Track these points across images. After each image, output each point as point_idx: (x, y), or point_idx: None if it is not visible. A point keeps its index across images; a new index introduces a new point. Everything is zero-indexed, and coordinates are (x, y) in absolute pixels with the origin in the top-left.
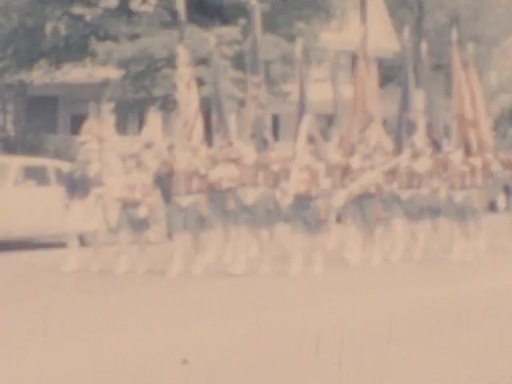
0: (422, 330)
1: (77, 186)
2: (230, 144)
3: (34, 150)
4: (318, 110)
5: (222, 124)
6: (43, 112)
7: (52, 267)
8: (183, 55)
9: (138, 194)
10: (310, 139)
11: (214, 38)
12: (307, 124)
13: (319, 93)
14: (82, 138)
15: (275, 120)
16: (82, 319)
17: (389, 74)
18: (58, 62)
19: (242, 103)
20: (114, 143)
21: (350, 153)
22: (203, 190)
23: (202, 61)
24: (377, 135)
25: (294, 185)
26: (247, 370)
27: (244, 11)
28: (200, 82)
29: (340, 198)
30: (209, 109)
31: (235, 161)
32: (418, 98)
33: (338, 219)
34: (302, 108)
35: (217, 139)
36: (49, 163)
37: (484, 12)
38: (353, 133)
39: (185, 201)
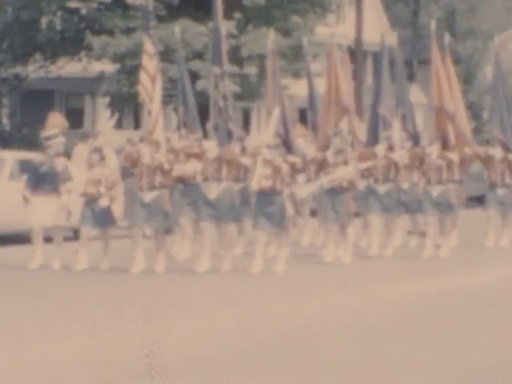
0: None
1: (43, 180)
2: (200, 138)
3: (29, 144)
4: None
5: (189, 118)
6: (38, 106)
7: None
8: (148, 46)
9: (102, 189)
10: (279, 133)
11: (178, 30)
12: (276, 117)
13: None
14: (47, 132)
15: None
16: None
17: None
18: (53, 56)
19: (236, 97)
20: (109, 137)
21: (326, 146)
22: (167, 185)
23: (197, 55)
24: (351, 128)
25: (258, 180)
26: (241, 363)
27: (239, 5)
28: (196, 76)
29: (305, 189)
30: (203, 103)
31: (197, 155)
32: (414, 92)
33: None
34: (274, 101)
35: (183, 133)
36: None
37: (480, 6)
38: (327, 125)
39: (147, 196)
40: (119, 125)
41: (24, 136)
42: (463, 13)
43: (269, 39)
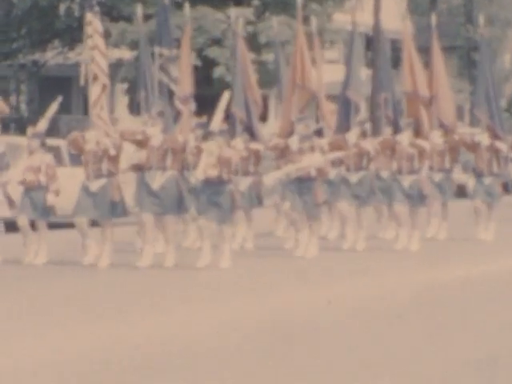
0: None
1: None
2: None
3: (47, 130)
4: (331, 91)
5: (147, 103)
6: (57, 92)
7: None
8: (96, 24)
9: (42, 177)
10: (241, 119)
11: (140, 10)
12: (225, 102)
13: (332, 74)
14: None
15: None
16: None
17: (402, 55)
18: (71, 43)
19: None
20: (127, 124)
21: (289, 132)
22: (114, 173)
23: (215, 42)
24: (320, 114)
25: (203, 169)
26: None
27: None
28: (214, 63)
29: (271, 176)
30: (221, 90)
31: (141, 142)
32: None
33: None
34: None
35: (145, 118)
36: (62, 143)
37: None
38: (291, 111)
39: (94, 185)
40: (136, 111)
41: None
42: (481, 0)
43: (236, 25)
